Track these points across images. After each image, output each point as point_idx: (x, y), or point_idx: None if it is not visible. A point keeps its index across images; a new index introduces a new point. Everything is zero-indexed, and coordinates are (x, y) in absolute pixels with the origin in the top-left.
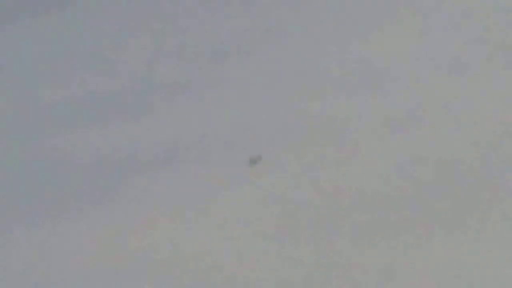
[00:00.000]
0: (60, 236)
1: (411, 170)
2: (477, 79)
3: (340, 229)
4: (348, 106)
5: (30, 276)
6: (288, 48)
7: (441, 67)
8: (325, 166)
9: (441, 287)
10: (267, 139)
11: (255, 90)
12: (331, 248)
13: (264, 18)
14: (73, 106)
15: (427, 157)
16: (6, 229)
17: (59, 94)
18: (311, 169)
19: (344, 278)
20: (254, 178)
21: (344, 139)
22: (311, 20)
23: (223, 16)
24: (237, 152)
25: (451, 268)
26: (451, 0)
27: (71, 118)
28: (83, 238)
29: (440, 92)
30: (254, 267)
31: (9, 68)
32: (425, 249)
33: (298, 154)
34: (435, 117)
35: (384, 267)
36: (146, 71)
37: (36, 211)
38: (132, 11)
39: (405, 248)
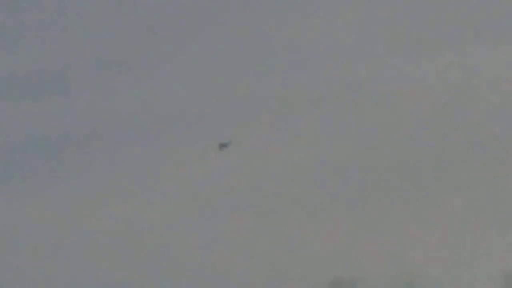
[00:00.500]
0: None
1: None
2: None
3: (303, 205)
4: (300, 82)
5: None
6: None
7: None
8: (282, 145)
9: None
10: (221, 116)
11: (207, 67)
12: (295, 224)
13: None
14: (12, 82)
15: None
16: None
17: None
18: (269, 147)
19: (308, 249)
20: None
21: (303, 116)
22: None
23: None
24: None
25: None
26: None
27: (6, 94)
28: (35, 212)
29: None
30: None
31: None
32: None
33: (251, 133)
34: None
35: (344, 239)
36: (93, 49)
37: None
38: None
39: (364, 221)
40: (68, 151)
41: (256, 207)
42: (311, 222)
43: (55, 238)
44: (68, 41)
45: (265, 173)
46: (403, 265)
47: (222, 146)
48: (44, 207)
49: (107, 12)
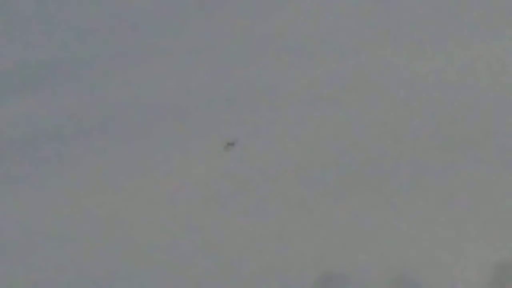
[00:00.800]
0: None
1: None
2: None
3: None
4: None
5: None
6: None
7: (368, 40)
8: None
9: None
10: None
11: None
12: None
13: None
14: (4, 76)
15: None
16: None
17: None
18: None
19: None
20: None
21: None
22: None
23: None
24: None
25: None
26: None
27: (2, 88)
28: (40, 205)
29: (371, 65)
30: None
31: None
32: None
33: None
34: (365, 90)
35: (333, 233)
36: (86, 41)
37: None
38: None
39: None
40: (62, 144)
41: (242, 201)
42: (300, 216)
43: (47, 231)
44: (55, 33)
45: (254, 168)
46: (393, 259)
47: (229, 145)
48: (42, 199)
49: (103, 6)
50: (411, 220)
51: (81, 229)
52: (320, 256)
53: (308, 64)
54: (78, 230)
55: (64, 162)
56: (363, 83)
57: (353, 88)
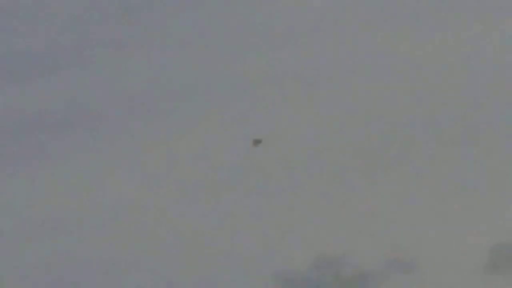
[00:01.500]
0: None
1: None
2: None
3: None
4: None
5: None
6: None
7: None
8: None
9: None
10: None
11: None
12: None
13: None
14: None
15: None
16: None
17: None
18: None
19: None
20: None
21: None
22: None
23: None
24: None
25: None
26: None
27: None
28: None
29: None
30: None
31: None
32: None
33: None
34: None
35: (329, 216)
36: (81, 29)
37: None
38: None
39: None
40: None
41: (241, 187)
42: (297, 200)
43: (62, 213)
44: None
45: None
46: (387, 242)
47: (257, 142)
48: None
49: None
50: (409, 204)
51: (91, 216)
52: (318, 238)
53: (322, 53)
54: (86, 218)
55: (73, 150)
56: (379, 70)
57: (369, 76)
